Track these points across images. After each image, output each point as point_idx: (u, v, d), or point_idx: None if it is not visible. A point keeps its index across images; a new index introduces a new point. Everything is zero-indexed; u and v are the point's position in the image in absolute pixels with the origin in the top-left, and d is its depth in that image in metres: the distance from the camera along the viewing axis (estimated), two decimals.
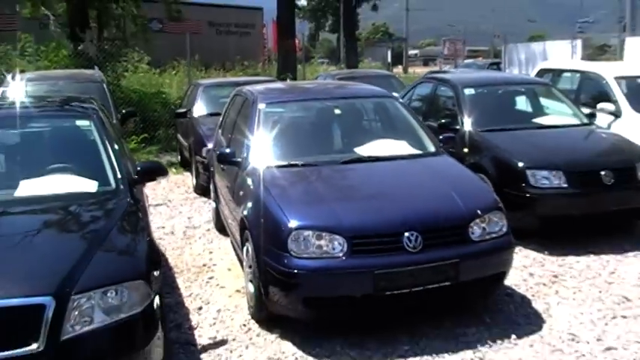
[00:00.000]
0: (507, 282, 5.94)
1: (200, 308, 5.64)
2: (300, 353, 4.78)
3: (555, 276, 6.14)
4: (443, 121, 8.05)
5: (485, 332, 5.01)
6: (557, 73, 10.62)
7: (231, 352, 4.87)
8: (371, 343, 4.86)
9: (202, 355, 4.82)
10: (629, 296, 5.62)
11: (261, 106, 6.31)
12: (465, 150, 7.58)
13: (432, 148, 6.16)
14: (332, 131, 6.31)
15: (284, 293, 4.85)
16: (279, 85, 8.90)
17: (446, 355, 4.70)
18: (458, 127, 7.87)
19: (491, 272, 5.09)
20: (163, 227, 8.08)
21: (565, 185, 6.75)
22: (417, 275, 4.77)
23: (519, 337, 4.92)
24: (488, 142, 7.43)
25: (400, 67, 33.94)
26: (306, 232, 4.77)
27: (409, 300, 4.87)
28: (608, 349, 4.75)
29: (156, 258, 4.26)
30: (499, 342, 4.85)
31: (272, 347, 4.89)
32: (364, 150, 5.95)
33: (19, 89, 8.61)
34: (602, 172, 6.79)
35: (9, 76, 9.74)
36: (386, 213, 4.97)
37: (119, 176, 4.81)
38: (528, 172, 6.78)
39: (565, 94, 8.69)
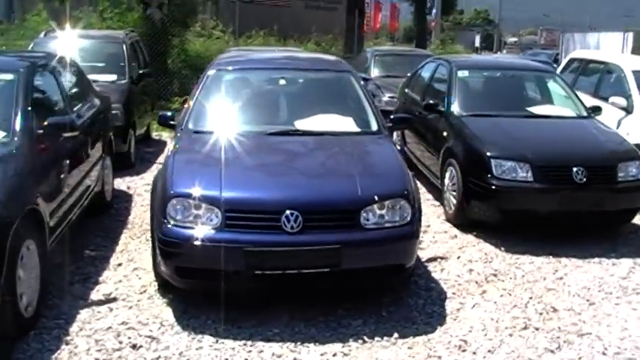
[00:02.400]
0: (439, 275, 5.25)
1: (119, 265, 5.26)
2: (171, 321, 4.31)
3: (495, 275, 5.30)
4: (431, 101, 7.21)
5: (371, 326, 4.33)
6: (584, 63, 9.37)
7: (111, 310, 4.46)
8: (249, 321, 4.30)
9: (82, 310, 4.42)
10: (558, 307, 4.73)
11: (211, 72, 5.80)
12: (445, 133, 6.74)
13: (374, 128, 5.44)
14: (277, 102, 5.68)
15: (163, 260, 4.39)
16: (250, 53, 8.24)
17: (311, 345, 4.07)
18: (442, 108, 7.02)
19: (385, 263, 4.38)
20: (149, 184, 7.78)
21: (531, 179, 5.82)
22: (292, 257, 4.17)
23: (403, 336, 4.21)
24: (465, 127, 6.53)
25: (490, 52, 32.03)
26: (186, 200, 4.26)
27: (283, 282, 4.27)
28: None
29: (13, 209, 3.88)
30: (377, 339, 4.16)
31: (151, 311, 4.45)
32: (304, 123, 5.31)
33: (42, 46, 8.51)
34: (575, 169, 5.78)
35: (41, 34, 9.68)
36: (269, 189, 4.38)
37: (17, 129, 4.49)
38: (493, 162, 5.89)
39: (567, 84, 7.56)
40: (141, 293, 4.74)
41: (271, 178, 4.50)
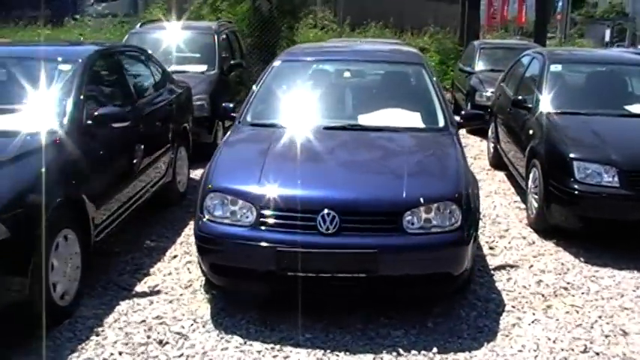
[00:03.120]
0: (503, 285, 4.78)
1: (174, 257, 5.21)
2: (205, 318, 4.19)
3: (566, 288, 4.75)
4: (519, 97, 6.64)
5: (411, 337, 3.98)
6: None
7: (151, 303, 4.40)
8: (284, 323, 4.08)
9: (123, 301, 4.39)
10: (629, 329, 4.15)
11: (276, 63, 5.62)
12: (530, 132, 6.16)
13: (440, 124, 5.04)
14: (341, 95, 5.39)
15: (200, 257, 4.27)
16: (321, 44, 7.88)
17: (340, 354, 3.79)
18: (530, 105, 6.42)
19: (429, 271, 4.01)
20: None
21: (617, 185, 5.18)
22: (326, 260, 3.89)
23: (442, 351, 3.83)
24: (550, 125, 5.91)
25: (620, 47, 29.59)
26: (222, 195, 4.10)
27: (317, 286, 4.01)
28: None
29: (45, 199, 3.86)
30: (413, 352, 3.81)
31: (189, 307, 4.34)
32: (367, 118, 5.03)
33: (136, 37, 8.70)
34: None
35: (137, 25, 9.90)
36: (307, 187, 4.09)
37: (65, 119, 4.50)
38: (575, 164, 5.29)
39: None
40: (186, 287, 4.65)
41: (312, 176, 4.23)
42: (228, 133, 5.04)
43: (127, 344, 3.87)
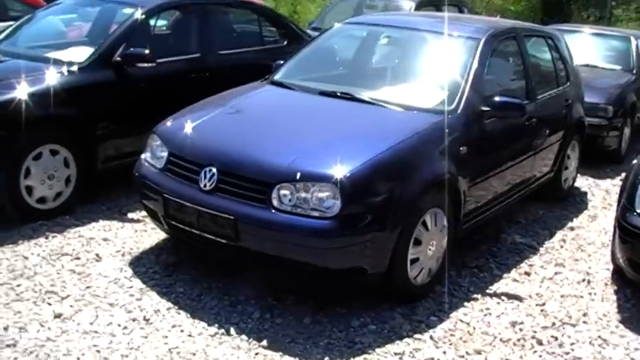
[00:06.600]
0: (462, 314, 3.67)
1: None
2: (125, 250, 4.10)
3: (540, 342, 3.38)
4: None
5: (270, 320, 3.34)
6: None
7: (121, 228, 4.41)
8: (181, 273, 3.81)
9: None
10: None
11: (337, 24, 5.11)
12: None
13: (448, 107, 3.93)
14: (369, 63, 4.64)
15: None
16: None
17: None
18: None
19: (297, 258, 3.31)
20: None
21: None
22: (197, 217, 3.51)
23: (271, 348, 3.13)
24: None
25: None
26: (157, 137, 3.97)
27: (194, 240, 3.68)
28: None
29: None
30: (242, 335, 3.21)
31: (139, 238, 4.29)
32: (373, 90, 4.25)
33: None
34: None
35: None
36: (203, 139, 3.78)
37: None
38: None
39: None
40: None
41: (218, 131, 3.85)
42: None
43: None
